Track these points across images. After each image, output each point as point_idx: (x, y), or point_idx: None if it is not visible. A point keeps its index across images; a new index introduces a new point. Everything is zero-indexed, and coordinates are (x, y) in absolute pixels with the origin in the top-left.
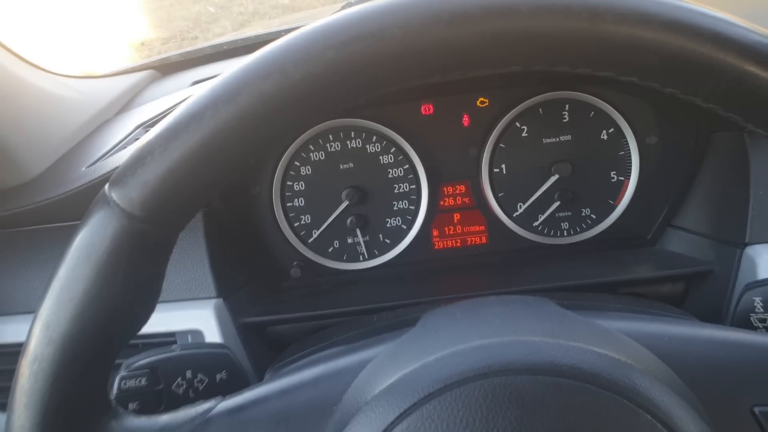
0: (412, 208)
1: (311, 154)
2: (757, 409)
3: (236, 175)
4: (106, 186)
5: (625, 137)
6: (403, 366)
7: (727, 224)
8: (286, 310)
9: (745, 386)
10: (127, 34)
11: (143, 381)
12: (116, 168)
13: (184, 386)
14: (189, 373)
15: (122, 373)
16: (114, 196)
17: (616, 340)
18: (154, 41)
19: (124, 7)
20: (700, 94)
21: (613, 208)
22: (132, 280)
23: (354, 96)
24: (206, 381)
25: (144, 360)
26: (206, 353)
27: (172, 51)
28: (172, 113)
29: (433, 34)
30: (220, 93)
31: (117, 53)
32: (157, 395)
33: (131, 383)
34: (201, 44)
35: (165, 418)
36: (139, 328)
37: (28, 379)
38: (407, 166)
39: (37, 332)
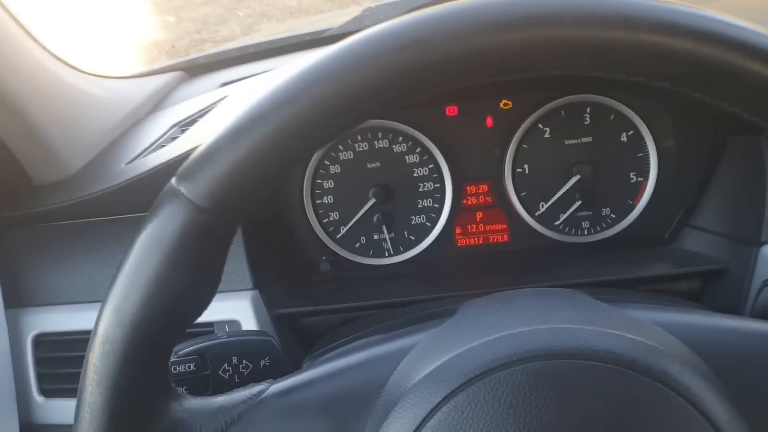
0: (437, 206)
1: (340, 153)
2: None
3: (293, 170)
4: (174, 180)
5: (644, 140)
6: (448, 351)
7: (743, 224)
8: (319, 302)
9: None
10: (136, 35)
11: (192, 366)
12: (170, 166)
13: (230, 371)
14: (235, 359)
15: (173, 358)
16: (183, 189)
17: (648, 329)
18: (163, 42)
19: (132, 8)
20: (727, 99)
21: (632, 208)
22: (198, 267)
23: (403, 99)
24: (251, 367)
25: (193, 346)
26: (251, 340)
27: (185, 55)
28: (237, 112)
29: (480, 42)
30: (283, 95)
31: (128, 54)
32: (205, 380)
33: (181, 368)
34: (227, 46)
35: (220, 399)
36: (200, 314)
37: (99, 358)
38: (432, 165)
39: (108, 315)
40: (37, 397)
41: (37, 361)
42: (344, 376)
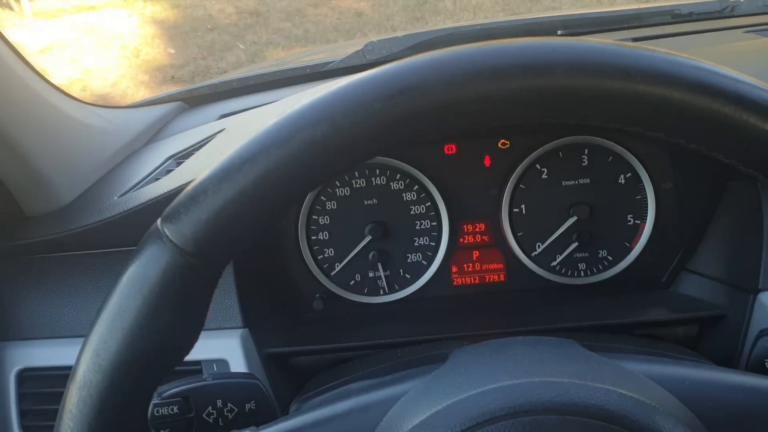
0: (433, 244)
1: (337, 189)
2: None
3: (284, 215)
4: (159, 221)
5: (642, 182)
6: (435, 402)
7: (740, 270)
8: (311, 341)
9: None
10: (140, 60)
11: (175, 409)
12: (161, 201)
13: (215, 415)
14: (220, 402)
15: (155, 400)
16: (167, 231)
17: (640, 383)
18: (168, 68)
19: (137, 32)
20: (723, 152)
21: (629, 250)
22: (181, 311)
23: (396, 145)
24: (236, 411)
25: (177, 388)
26: (237, 383)
27: (189, 81)
28: (225, 155)
29: (474, 89)
30: (273, 138)
31: (130, 79)
32: (188, 423)
33: (164, 410)
34: (228, 77)
35: None
36: (182, 359)
37: (76, 405)
38: (429, 203)
39: (87, 359)
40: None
41: (20, 397)
42: (330, 425)
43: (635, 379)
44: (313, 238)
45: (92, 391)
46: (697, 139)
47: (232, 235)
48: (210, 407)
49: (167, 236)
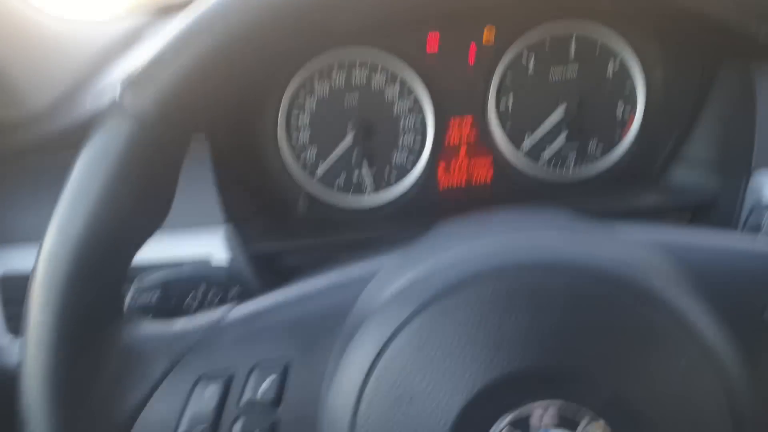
0: (418, 142)
1: (316, 85)
2: (766, 313)
3: (244, 78)
4: (117, 93)
5: (631, 71)
6: (414, 268)
7: (732, 154)
8: (298, 240)
9: (758, 292)
10: None
11: (155, 298)
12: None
13: (197, 303)
14: (203, 287)
15: (134, 288)
16: (125, 101)
17: (629, 243)
18: None
19: None
20: None
21: (619, 141)
22: (146, 181)
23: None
24: (220, 295)
25: (156, 277)
26: (220, 268)
27: None
28: (183, 21)
29: None
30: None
31: None
32: (169, 313)
33: (143, 299)
34: None
35: (179, 325)
36: (151, 233)
37: (44, 276)
38: (413, 100)
39: (53, 234)
40: (4, 338)
41: (5, 302)
42: (311, 300)
43: (624, 240)
44: (293, 137)
45: (60, 263)
46: None
47: (193, 98)
48: (192, 293)
49: (126, 105)
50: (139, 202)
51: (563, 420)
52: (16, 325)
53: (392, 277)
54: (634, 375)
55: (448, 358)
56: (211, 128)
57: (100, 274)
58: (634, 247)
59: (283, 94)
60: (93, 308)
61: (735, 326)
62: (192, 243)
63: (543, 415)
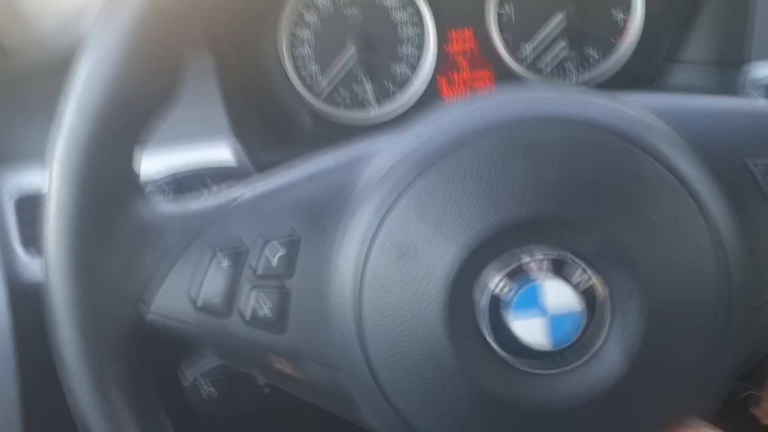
0: (418, 53)
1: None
2: (749, 162)
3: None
4: None
5: None
6: (420, 136)
7: (729, 48)
8: (304, 151)
9: (740, 141)
10: None
11: (168, 188)
12: None
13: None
14: (214, 179)
15: (148, 182)
16: None
17: (621, 101)
18: None
19: None
20: None
21: (617, 46)
22: (155, 57)
23: None
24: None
25: (168, 171)
26: (229, 167)
27: None
28: None
29: None
30: None
31: None
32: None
33: (157, 188)
34: None
35: (195, 204)
36: (163, 109)
37: (62, 151)
38: (412, 10)
39: (72, 107)
40: (24, 256)
41: (22, 224)
42: (321, 178)
43: (615, 98)
44: (295, 53)
45: (78, 135)
46: None
47: None
48: (204, 182)
49: None
50: (151, 75)
51: (558, 267)
52: (33, 245)
53: (395, 149)
54: (629, 224)
55: (451, 213)
56: (216, 45)
57: (116, 146)
58: (631, 106)
59: (283, 10)
60: (111, 183)
61: (718, 173)
62: (200, 153)
63: (540, 265)
